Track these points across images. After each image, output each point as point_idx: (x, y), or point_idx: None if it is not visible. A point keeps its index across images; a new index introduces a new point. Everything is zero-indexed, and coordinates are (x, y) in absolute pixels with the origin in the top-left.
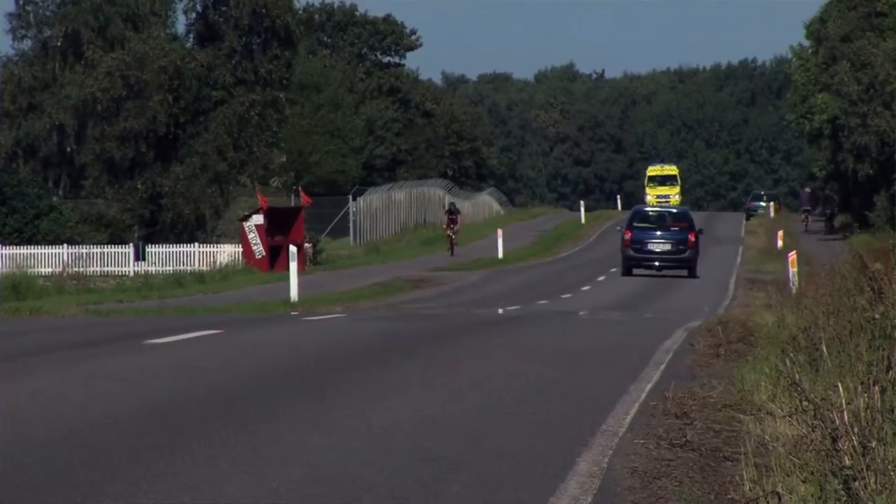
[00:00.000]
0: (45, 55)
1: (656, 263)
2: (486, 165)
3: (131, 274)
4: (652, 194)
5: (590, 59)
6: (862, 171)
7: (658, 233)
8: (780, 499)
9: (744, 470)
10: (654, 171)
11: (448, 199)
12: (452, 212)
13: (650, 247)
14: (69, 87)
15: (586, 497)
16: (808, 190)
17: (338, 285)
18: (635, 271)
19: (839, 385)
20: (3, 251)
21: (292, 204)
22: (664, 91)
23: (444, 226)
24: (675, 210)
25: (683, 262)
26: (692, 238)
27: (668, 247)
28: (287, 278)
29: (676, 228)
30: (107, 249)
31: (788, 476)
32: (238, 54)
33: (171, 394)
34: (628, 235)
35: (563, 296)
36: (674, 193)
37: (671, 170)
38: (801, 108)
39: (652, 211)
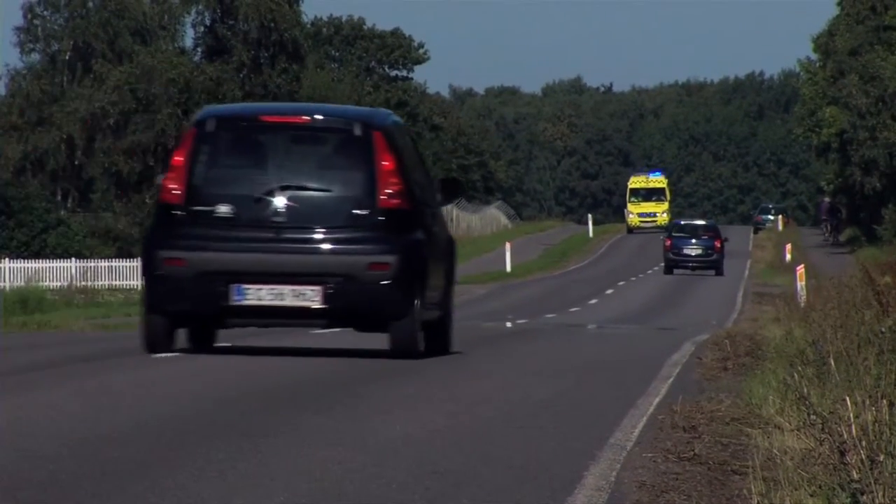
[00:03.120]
0: (54, 68)
1: (691, 265)
2: (494, 179)
3: (139, 288)
4: (634, 212)
5: (597, 73)
6: (870, 185)
7: (692, 240)
8: None
9: (752, 483)
10: (636, 182)
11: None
12: None
13: (686, 251)
14: (77, 101)
15: None
16: (826, 199)
17: None
18: (676, 271)
19: (847, 399)
20: (11, 265)
21: None
22: (672, 104)
23: None
24: (704, 222)
25: (712, 263)
26: (718, 245)
27: (699, 251)
28: None
29: (706, 237)
30: (115, 263)
31: (796, 490)
32: (246, 68)
33: (179, 407)
34: (668, 242)
35: (572, 309)
36: (661, 211)
37: (658, 181)
38: (808, 121)
39: (686, 223)
